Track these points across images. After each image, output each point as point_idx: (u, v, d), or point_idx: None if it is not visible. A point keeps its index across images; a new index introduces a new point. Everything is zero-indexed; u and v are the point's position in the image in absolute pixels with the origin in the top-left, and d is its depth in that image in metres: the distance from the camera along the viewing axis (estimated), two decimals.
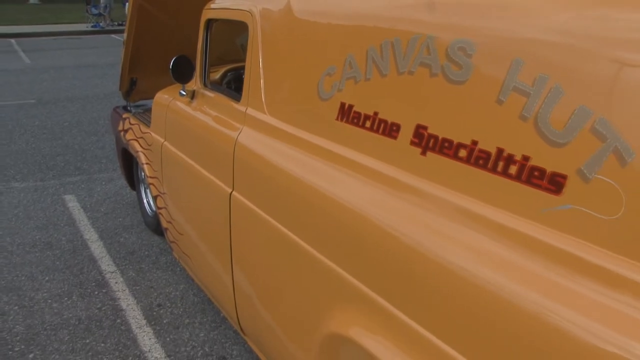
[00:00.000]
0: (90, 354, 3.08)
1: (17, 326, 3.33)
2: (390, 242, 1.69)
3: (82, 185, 5.55)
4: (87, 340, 3.19)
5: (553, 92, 1.33)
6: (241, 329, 2.82)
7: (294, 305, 2.20)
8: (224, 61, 3.75)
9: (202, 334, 3.23)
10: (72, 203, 5.13)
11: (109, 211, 4.95)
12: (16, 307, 3.52)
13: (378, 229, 1.75)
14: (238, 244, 2.62)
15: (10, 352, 3.10)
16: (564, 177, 1.31)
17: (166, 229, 3.76)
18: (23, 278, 3.86)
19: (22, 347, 3.15)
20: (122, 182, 5.54)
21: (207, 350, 3.10)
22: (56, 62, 13.33)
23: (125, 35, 4.45)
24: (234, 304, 2.76)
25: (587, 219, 1.26)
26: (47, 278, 3.86)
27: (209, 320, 3.36)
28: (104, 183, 5.61)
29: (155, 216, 4.34)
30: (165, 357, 3.04)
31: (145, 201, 4.60)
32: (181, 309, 3.48)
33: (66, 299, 3.61)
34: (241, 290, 2.65)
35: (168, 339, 3.20)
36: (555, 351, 1.22)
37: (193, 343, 3.16)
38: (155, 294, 3.66)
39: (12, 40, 17.72)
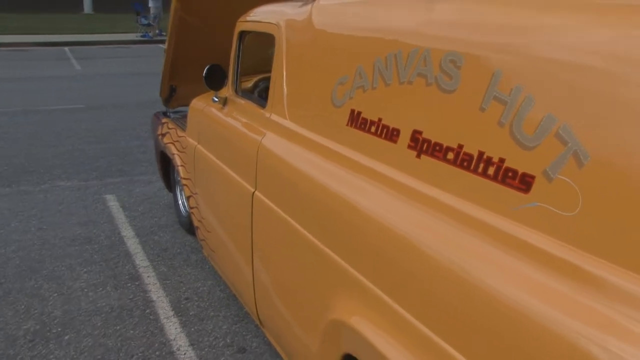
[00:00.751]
0: (120, 339, 3.30)
1: (56, 311, 3.58)
2: (386, 237, 1.85)
3: (123, 186, 5.84)
4: (118, 327, 3.42)
5: (526, 101, 1.48)
6: (260, 321, 3.00)
7: (304, 295, 2.37)
8: (258, 71, 3.95)
9: (225, 327, 3.43)
10: (112, 202, 5.41)
11: (146, 211, 5.20)
12: (55, 294, 3.78)
13: (376, 225, 1.91)
14: (258, 239, 2.81)
15: (48, 334, 3.35)
16: (532, 177, 1.45)
17: (197, 227, 3.98)
18: (63, 268, 4.13)
19: (59, 329, 3.39)
20: (160, 184, 5.80)
21: (228, 341, 3.29)
22: (106, 70, 13.84)
23: (166, 44, 4.71)
24: (254, 296, 2.94)
25: (550, 215, 1.41)
26: (85, 269, 4.12)
27: (232, 315, 3.55)
28: (143, 185, 5.89)
29: (189, 216, 4.56)
30: (188, 345, 3.24)
31: (180, 202, 4.84)
32: (207, 303, 3.68)
33: (101, 289, 3.85)
34: (260, 283, 2.83)
35: (193, 329, 3.40)
36: (520, 333, 1.36)
37: (216, 334, 3.35)
38: (184, 288, 3.87)
39: (66, 49, 18.42)
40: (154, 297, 3.76)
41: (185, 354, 3.17)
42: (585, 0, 1.47)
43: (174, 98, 5.09)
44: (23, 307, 3.64)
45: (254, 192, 2.83)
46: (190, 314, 3.57)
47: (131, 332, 3.38)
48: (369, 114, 2.11)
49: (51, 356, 3.15)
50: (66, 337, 3.33)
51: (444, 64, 1.76)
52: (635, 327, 1.18)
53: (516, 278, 1.43)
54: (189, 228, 4.63)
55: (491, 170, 1.57)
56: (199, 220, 3.89)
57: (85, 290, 3.84)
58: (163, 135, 4.75)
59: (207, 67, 3.45)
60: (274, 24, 2.96)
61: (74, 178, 6.10)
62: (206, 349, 3.21)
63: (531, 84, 1.48)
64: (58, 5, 34.75)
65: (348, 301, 2.05)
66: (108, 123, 8.51)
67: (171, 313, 3.57)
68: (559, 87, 1.41)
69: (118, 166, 6.50)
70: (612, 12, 1.38)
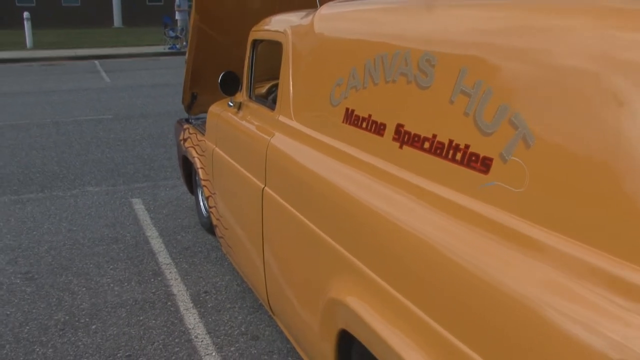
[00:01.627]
0: (142, 328, 3.54)
1: (84, 303, 3.84)
2: (374, 222, 2.06)
3: (148, 191, 6.12)
4: (141, 318, 3.66)
5: (485, 93, 1.68)
6: (271, 309, 3.21)
7: (306, 280, 2.58)
8: (272, 77, 4.18)
9: (240, 317, 3.65)
10: (138, 205, 5.68)
11: (169, 213, 5.47)
12: (84, 289, 4.04)
13: (367, 212, 2.11)
14: (268, 232, 3.03)
15: (77, 323, 3.60)
16: (491, 159, 1.65)
17: (216, 225, 4.22)
18: (91, 266, 4.40)
19: (87, 320, 3.65)
20: (183, 188, 6.07)
21: (243, 330, 3.51)
22: (134, 82, 14.25)
23: (187, 54, 4.98)
24: (265, 285, 3.16)
25: (505, 192, 1.60)
26: (111, 266, 4.38)
27: (248, 306, 3.77)
28: (167, 189, 6.16)
29: (209, 217, 4.80)
30: (206, 334, 3.47)
31: (201, 203, 5.08)
32: (224, 296, 3.91)
33: (126, 284, 4.11)
34: (270, 272, 3.05)
35: (210, 319, 3.63)
36: (486, 298, 1.55)
37: (232, 324, 3.58)
38: (204, 283, 4.11)
39: (96, 62, 18.94)
40: (175, 291, 4.00)
41: (202, 341, 3.40)
42: (533, 5, 1.66)
43: (195, 105, 5.35)
44: (54, 300, 3.91)
45: (264, 188, 3.06)
46: (209, 306, 3.80)
47: (153, 322, 3.62)
48: (361, 111, 2.32)
49: (80, 343, 3.41)
50: (93, 327, 3.58)
51: (421, 64, 1.97)
52: (567, 280, 1.37)
53: (480, 250, 1.62)
54: (209, 228, 4.87)
55: (459, 156, 1.77)
56: (217, 219, 4.13)
57: (111, 285, 4.10)
58: (185, 140, 5.01)
59: (222, 73, 3.69)
60: (282, 32, 3.19)
61: (103, 183, 6.40)
62: (222, 337, 3.44)
63: (490, 78, 1.68)
64: (90, 21, 35.63)
65: (344, 282, 2.25)
66: (135, 132, 8.84)
67: (190, 305, 3.80)
68: (511, 81, 1.61)
69: (144, 172, 6.79)
70: (554, 16, 1.58)
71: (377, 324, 1.98)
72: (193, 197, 5.47)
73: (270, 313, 3.27)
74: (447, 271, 1.69)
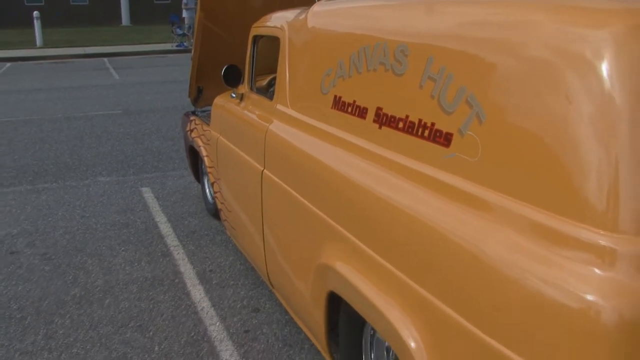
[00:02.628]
0: (152, 302, 3.84)
1: (98, 280, 4.14)
2: (358, 194, 2.33)
3: (157, 180, 6.42)
4: (151, 293, 3.96)
5: (447, 78, 1.96)
6: (270, 282, 3.50)
7: (300, 250, 2.86)
8: (272, 70, 4.45)
9: (242, 292, 3.94)
10: (147, 194, 5.98)
11: (177, 200, 5.76)
12: (97, 268, 4.34)
13: (350, 186, 2.39)
14: (266, 210, 3.31)
15: (92, 298, 3.90)
16: (451, 135, 1.93)
17: (220, 209, 4.50)
18: (104, 248, 4.70)
19: (101, 295, 3.94)
20: (191, 178, 6.37)
21: (244, 303, 3.80)
22: (142, 78, 14.57)
23: (193, 50, 5.26)
24: (265, 260, 3.44)
25: (462, 162, 1.88)
26: (123, 248, 4.68)
27: (250, 283, 4.06)
28: (175, 179, 6.46)
29: (215, 203, 5.08)
30: (210, 307, 3.76)
31: (207, 190, 5.37)
32: (228, 274, 4.20)
33: (137, 264, 4.40)
34: (269, 247, 3.33)
35: (215, 294, 3.92)
36: (444, 249, 1.83)
37: (234, 298, 3.86)
38: (209, 262, 4.40)
39: (105, 59, 19.29)
40: (182, 269, 4.29)
41: (207, 313, 3.69)
42: (489, 2, 1.94)
43: (201, 98, 5.63)
44: (70, 277, 4.21)
45: (263, 171, 3.34)
46: (214, 282, 4.09)
47: (162, 297, 3.91)
48: (347, 98, 2.60)
49: (94, 314, 3.70)
50: (107, 301, 3.87)
51: (396, 54, 2.25)
52: (511, 233, 1.64)
53: (443, 212, 1.90)
54: (215, 213, 5.16)
55: (426, 133, 2.05)
56: (221, 203, 4.42)
57: (123, 264, 4.40)
58: (191, 130, 5.30)
59: (225, 67, 3.98)
60: (279, 28, 3.47)
61: (113, 174, 6.71)
62: (226, 309, 3.73)
63: (451, 65, 1.95)
64: (98, 20, 36.01)
65: (332, 249, 2.53)
66: (144, 126, 9.14)
67: (197, 282, 4.10)
68: (468, 67, 1.88)
69: (153, 163, 7.09)
70: (504, 12, 1.85)
71: (360, 284, 2.26)
72: (199, 185, 5.77)
73: (270, 287, 3.56)
74: (418, 233, 1.96)
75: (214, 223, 5.17)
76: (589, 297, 1.42)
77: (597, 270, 1.45)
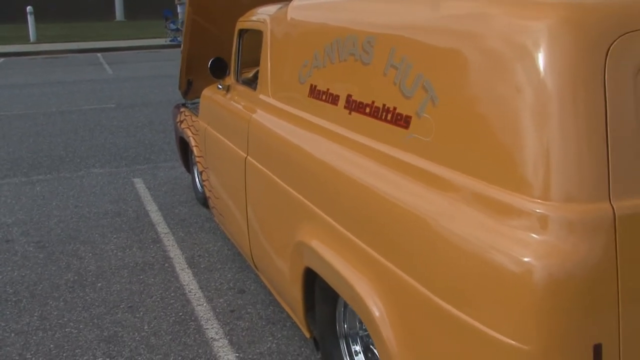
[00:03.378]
0: (142, 285, 4.01)
1: (90, 266, 4.31)
2: (330, 175, 2.50)
3: (149, 171, 6.58)
4: (141, 277, 4.13)
5: (407, 66, 2.13)
6: (255, 264, 3.66)
7: (279, 230, 3.03)
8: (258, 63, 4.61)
9: (229, 275, 4.11)
10: (139, 184, 6.15)
11: (168, 190, 5.93)
12: (90, 254, 4.51)
13: (324, 168, 2.56)
14: (250, 195, 3.48)
15: (84, 282, 4.07)
16: (410, 117, 2.10)
17: (208, 197, 4.67)
18: (97, 235, 4.86)
19: (93, 279, 4.11)
20: (182, 169, 6.52)
21: (231, 285, 3.97)
22: (136, 73, 14.70)
23: (182, 43, 5.42)
24: (249, 243, 3.61)
25: (419, 142, 2.05)
26: (115, 236, 4.84)
27: (236, 267, 4.23)
28: (167, 170, 6.62)
29: (204, 192, 5.25)
30: (198, 289, 3.93)
31: (196, 180, 5.54)
32: (216, 259, 4.37)
33: (128, 250, 4.57)
34: (252, 230, 3.50)
35: (202, 277, 4.09)
36: (403, 220, 2.00)
37: (221, 281, 4.04)
38: (198, 248, 4.57)
39: (99, 54, 19.40)
40: (171, 255, 4.46)
41: (195, 295, 3.86)
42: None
43: (191, 90, 5.79)
44: (64, 264, 4.37)
45: (246, 157, 3.51)
46: (202, 267, 4.26)
47: (152, 280, 4.08)
48: (321, 86, 2.77)
49: (87, 297, 3.87)
50: (99, 284, 4.04)
51: (364, 45, 2.42)
52: (459, 203, 1.82)
53: (402, 188, 2.07)
54: (204, 202, 5.32)
55: (389, 117, 2.22)
56: (209, 191, 4.59)
57: (115, 251, 4.57)
58: (181, 122, 5.46)
59: (211, 59, 4.14)
60: (262, 22, 3.64)
61: (106, 166, 6.86)
62: (212, 291, 3.90)
63: (410, 54, 2.12)
64: (92, 15, 36.04)
65: (307, 227, 2.70)
66: (137, 120, 9.29)
67: (185, 266, 4.27)
68: (424, 55, 2.05)
69: (145, 155, 7.25)
70: (454, 7, 2.02)
71: (332, 259, 2.43)
72: (189, 176, 5.93)
73: (255, 269, 3.73)
74: (380, 208, 2.13)
75: (203, 211, 5.34)
76: (525, 259, 1.59)
77: (532, 235, 1.62)
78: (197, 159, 4.90)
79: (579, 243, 1.57)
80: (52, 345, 3.35)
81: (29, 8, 23.24)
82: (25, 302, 3.84)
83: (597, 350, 1.55)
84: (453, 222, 1.81)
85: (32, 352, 3.30)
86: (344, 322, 2.72)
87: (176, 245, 4.63)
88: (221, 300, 3.79)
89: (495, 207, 1.73)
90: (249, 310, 3.67)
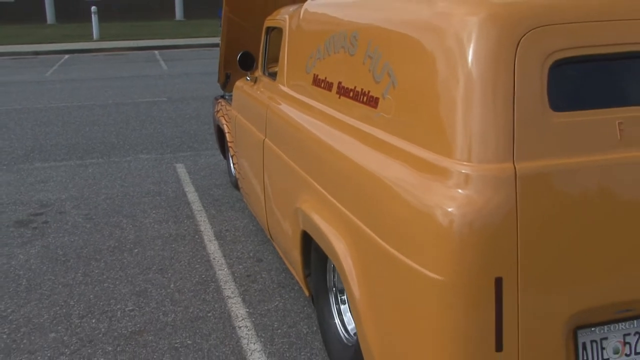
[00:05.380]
0: (173, 252, 4.52)
1: (130, 235, 4.86)
2: (323, 150, 2.94)
3: (190, 158, 7.14)
4: (173, 245, 4.64)
5: (378, 55, 2.55)
6: (270, 233, 4.12)
7: (286, 199, 3.47)
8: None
9: (250, 247, 4.59)
10: (181, 169, 6.70)
11: (206, 175, 6.46)
12: (130, 226, 5.06)
13: (319, 145, 2.99)
14: (266, 172, 3.94)
15: (123, 248, 4.61)
16: (378, 99, 2.51)
17: (237, 178, 5.16)
18: (138, 211, 5.41)
19: (131, 246, 4.65)
20: (220, 157, 7.05)
21: (251, 255, 4.44)
22: (188, 69, 15.42)
23: (220, 40, 5.93)
24: (265, 215, 4.07)
25: (381, 117, 2.46)
26: (154, 211, 5.39)
27: (257, 240, 4.71)
28: (207, 157, 7.16)
29: (236, 175, 5.74)
30: (222, 257, 4.41)
31: (231, 165, 6.04)
32: (241, 233, 4.86)
33: (164, 223, 5.10)
34: (269, 203, 3.96)
35: (227, 248, 4.57)
36: (370, 183, 2.41)
37: (243, 251, 4.52)
38: (226, 224, 5.06)
39: (156, 52, 20.28)
40: (202, 228, 4.97)
41: (218, 261, 4.35)
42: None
43: (229, 83, 6.30)
44: (107, 233, 4.93)
45: (264, 139, 3.97)
46: (227, 239, 4.75)
47: (182, 248, 4.59)
48: (321, 75, 3.20)
49: (124, 260, 4.41)
50: (135, 250, 4.58)
51: (351, 39, 2.84)
52: (409, 168, 2.23)
53: (371, 157, 2.48)
54: (236, 185, 5.82)
55: (365, 99, 2.64)
56: (238, 172, 5.07)
57: (153, 223, 5.10)
58: (218, 111, 5.98)
59: (240, 53, 4.62)
60: (282, 20, 4.10)
61: (153, 152, 7.46)
62: (234, 259, 4.38)
63: (381, 45, 2.54)
64: (153, 14, 37.33)
65: (303, 195, 3.14)
66: (185, 112, 9.91)
67: (213, 238, 4.76)
68: (389, 46, 2.47)
69: (189, 144, 7.82)
70: (411, 5, 2.43)
71: (317, 219, 2.87)
72: (225, 161, 6.44)
73: (270, 238, 4.19)
74: (352, 173, 2.56)
75: (235, 193, 5.84)
76: (449, 209, 1.99)
77: (458, 190, 2.02)
78: (229, 144, 5.40)
79: (490, 195, 1.96)
80: (91, 296, 3.89)
81: (93, 8, 24.40)
82: (72, 262, 4.40)
83: (499, 282, 1.94)
84: (399, 182, 2.22)
85: (75, 300, 3.84)
86: (332, 278, 3.14)
87: (207, 221, 5.13)
88: (240, 267, 4.27)
89: (432, 169, 2.13)
90: (263, 275, 4.13)
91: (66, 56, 19.57)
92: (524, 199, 1.94)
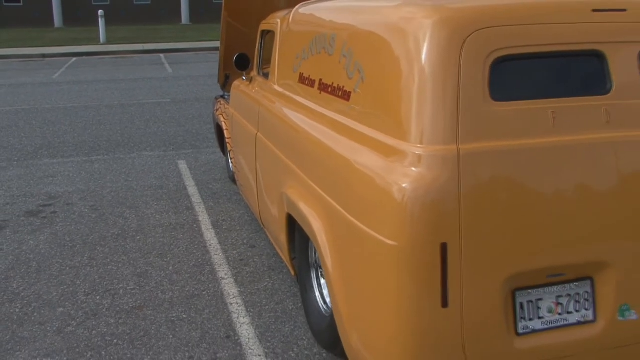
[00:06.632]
0: (173, 239, 4.86)
1: (132, 224, 5.20)
2: (305, 141, 3.27)
3: (192, 155, 7.48)
4: (173, 233, 4.98)
5: (351, 54, 2.88)
6: (261, 221, 4.45)
7: (273, 186, 3.80)
8: None
9: (244, 234, 4.92)
10: (182, 165, 7.04)
11: (207, 170, 6.80)
12: (133, 216, 5.40)
13: (302, 135, 3.33)
14: (259, 164, 4.27)
15: (126, 235, 4.95)
16: (350, 93, 2.84)
17: (234, 172, 5.49)
18: (141, 202, 5.76)
19: (134, 234, 4.99)
20: (221, 154, 7.39)
21: (244, 242, 4.77)
22: (193, 72, 15.79)
23: (220, 42, 6.28)
24: (258, 203, 4.40)
25: (353, 109, 2.79)
26: (156, 203, 5.73)
27: (251, 229, 5.04)
28: (208, 154, 7.50)
29: (233, 169, 6.07)
30: (217, 243, 4.75)
31: (229, 161, 6.38)
32: (236, 222, 5.19)
33: (165, 214, 5.44)
34: (260, 192, 4.29)
35: (222, 235, 4.91)
36: (342, 167, 2.74)
37: (237, 238, 4.85)
38: (223, 214, 5.40)
39: (161, 55, 20.68)
40: (200, 218, 5.30)
41: (214, 247, 4.68)
42: (367, 7, 2.85)
43: (228, 84, 6.64)
44: (111, 222, 5.27)
45: (257, 133, 4.30)
46: (223, 228, 5.08)
47: (181, 236, 4.93)
48: (306, 74, 3.54)
49: (127, 246, 4.75)
50: (138, 238, 4.92)
51: (330, 40, 3.18)
52: (371, 148, 2.56)
53: (343, 144, 2.81)
54: (234, 179, 6.16)
55: (340, 94, 2.97)
56: (235, 165, 5.41)
57: (154, 214, 5.44)
58: (217, 110, 6.32)
59: (236, 55, 4.96)
60: (275, 24, 4.43)
61: (156, 150, 7.80)
62: (229, 245, 4.71)
63: (352, 45, 2.87)
64: (160, 19, 37.81)
65: (288, 181, 3.47)
66: (188, 112, 10.26)
67: (210, 227, 5.10)
68: (359, 46, 2.80)
69: (191, 142, 8.17)
70: (378, 10, 2.76)
71: (297, 201, 3.20)
72: (224, 158, 6.78)
73: (262, 226, 4.52)
74: (326, 157, 2.88)
75: (233, 187, 6.18)
76: (403, 185, 2.31)
77: (412, 168, 2.34)
78: (227, 141, 5.73)
79: (438, 172, 2.28)
80: (96, 277, 4.23)
81: (100, 12, 24.84)
82: (79, 247, 4.74)
83: (444, 247, 2.26)
84: (364, 163, 2.55)
85: (81, 280, 4.18)
86: (314, 255, 3.47)
87: (205, 212, 5.47)
88: (234, 252, 4.60)
89: (393, 152, 2.45)
90: (255, 260, 4.46)
91: (73, 59, 19.98)
92: (465, 175, 2.27)
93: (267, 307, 3.79)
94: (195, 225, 5.16)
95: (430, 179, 2.28)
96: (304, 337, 3.45)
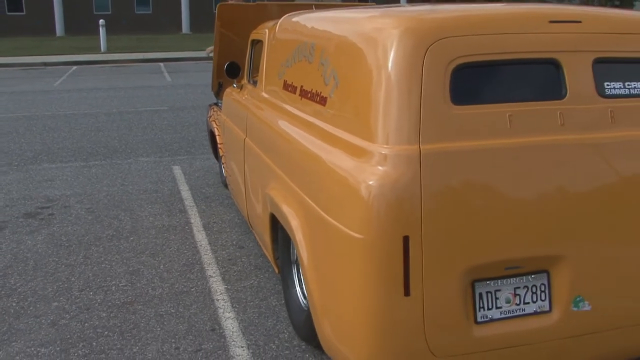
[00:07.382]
0: (165, 240, 5.04)
1: (126, 226, 5.38)
2: (286, 144, 3.46)
3: (187, 161, 7.67)
4: (165, 234, 5.16)
5: (327, 62, 3.08)
6: (249, 223, 4.64)
7: (259, 188, 3.99)
8: None
9: (234, 236, 5.10)
10: (177, 170, 7.24)
11: (200, 176, 6.99)
12: (128, 218, 5.59)
13: (284, 138, 3.52)
14: (247, 167, 4.46)
15: (120, 236, 5.14)
16: (327, 98, 3.04)
17: (226, 176, 5.68)
18: (136, 205, 5.95)
19: (127, 234, 5.18)
20: (215, 160, 7.58)
21: (234, 243, 4.96)
22: (191, 81, 16.01)
23: (213, 51, 6.48)
24: (246, 205, 4.59)
25: (328, 113, 2.99)
26: (150, 206, 5.92)
27: (241, 231, 5.22)
28: (202, 160, 7.70)
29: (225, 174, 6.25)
30: (207, 244, 4.93)
31: (222, 166, 6.57)
32: (227, 225, 5.38)
33: (159, 216, 5.63)
34: (248, 194, 4.48)
35: (213, 237, 5.09)
36: (317, 166, 2.93)
37: (227, 239, 5.03)
38: (214, 217, 5.59)
39: (161, 64, 20.92)
40: (192, 221, 5.49)
41: (204, 248, 4.87)
42: (342, 17, 3.05)
43: (221, 91, 6.84)
44: (107, 223, 5.46)
45: (245, 139, 4.50)
46: (214, 229, 5.27)
47: (173, 237, 5.11)
48: (289, 81, 3.74)
49: (121, 246, 4.93)
50: (131, 238, 5.10)
51: (310, 49, 3.37)
52: (342, 149, 2.75)
53: (318, 146, 3.00)
54: (225, 184, 6.34)
55: (318, 99, 3.16)
56: (226, 170, 5.60)
57: (148, 216, 5.63)
58: (210, 117, 6.52)
59: (227, 63, 5.16)
60: (263, 33, 4.64)
61: (152, 155, 8.00)
62: (218, 245, 4.90)
63: (329, 54, 3.07)
64: (160, 28, 38.13)
65: (271, 183, 3.66)
66: (185, 120, 10.47)
67: (201, 229, 5.29)
68: (334, 55, 2.99)
69: (186, 148, 8.37)
70: (352, 22, 2.96)
71: (279, 201, 3.39)
72: (218, 163, 6.97)
73: (250, 227, 4.70)
74: (303, 158, 3.07)
75: (225, 192, 6.37)
76: (370, 182, 2.50)
77: (378, 167, 2.53)
78: (220, 146, 5.93)
79: (401, 171, 2.47)
80: (90, 274, 4.41)
81: (101, 21, 25.12)
82: (74, 247, 4.93)
83: (406, 239, 2.45)
84: (336, 163, 2.74)
85: (76, 277, 4.37)
86: (294, 253, 3.65)
87: (197, 215, 5.66)
88: (223, 252, 4.78)
89: (362, 152, 2.64)
90: (243, 259, 4.65)
91: (74, 67, 20.22)
92: (426, 173, 2.46)
93: (252, 303, 3.97)
94: (187, 227, 5.34)
95: (394, 176, 2.47)
96: (285, 331, 3.63)
